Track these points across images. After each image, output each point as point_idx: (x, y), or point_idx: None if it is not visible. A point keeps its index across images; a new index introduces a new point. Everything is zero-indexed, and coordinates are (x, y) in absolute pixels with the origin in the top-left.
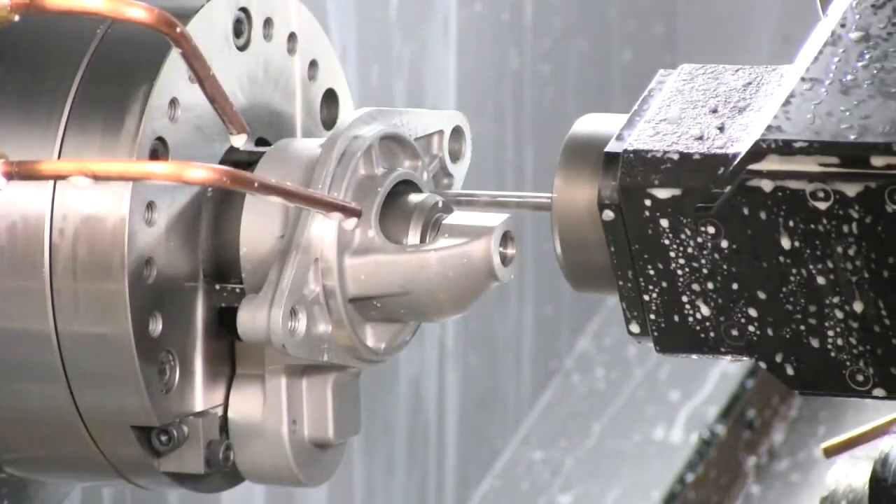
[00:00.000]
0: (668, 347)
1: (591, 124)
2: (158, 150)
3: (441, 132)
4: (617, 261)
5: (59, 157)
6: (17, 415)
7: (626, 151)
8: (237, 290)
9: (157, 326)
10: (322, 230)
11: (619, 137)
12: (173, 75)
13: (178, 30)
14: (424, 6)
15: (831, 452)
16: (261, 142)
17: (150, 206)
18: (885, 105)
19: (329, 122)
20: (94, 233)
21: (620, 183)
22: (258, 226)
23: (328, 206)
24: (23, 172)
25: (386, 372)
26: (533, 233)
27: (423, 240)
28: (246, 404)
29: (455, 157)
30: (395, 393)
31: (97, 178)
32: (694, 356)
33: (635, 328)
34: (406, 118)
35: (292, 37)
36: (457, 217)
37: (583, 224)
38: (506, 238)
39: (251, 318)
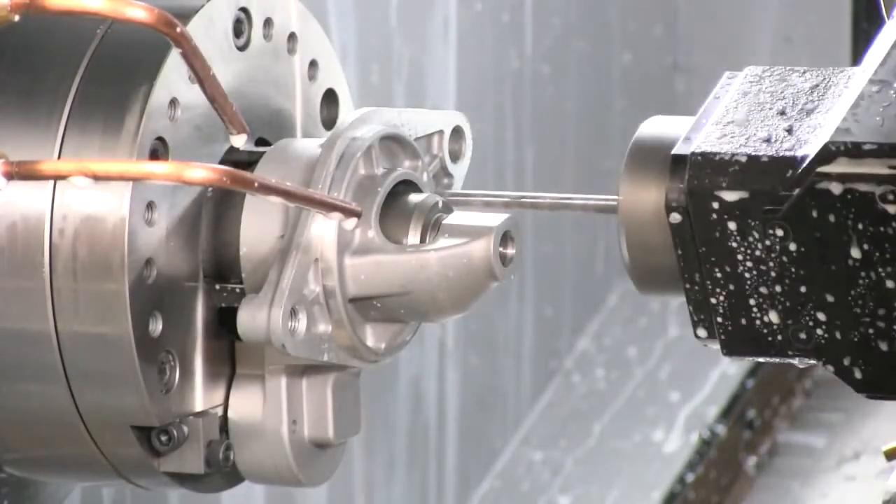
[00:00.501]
0: (735, 351)
1: (656, 127)
2: (158, 150)
3: (441, 132)
4: (684, 264)
5: (59, 157)
6: (17, 415)
7: (693, 154)
8: (237, 290)
9: (157, 326)
10: (322, 230)
11: (686, 140)
12: (173, 75)
13: (178, 30)
14: (424, 6)
15: (893, 455)
16: (261, 142)
17: (150, 206)
18: None
19: (329, 122)
20: (94, 233)
21: (688, 185)
22: (258, 226)
23: (328, 207)
24: (23, 172)
25: (386, 372)
26: (533, 233)
27: (423, 240)
28: (246, 404)
29: (455, 157)
30: (395, 393)
31: (97, 178)
32: (761, 359)
33: (702, 332)
34: (406, 118)
35: (292, 37)
36: (457, 217)
37: (649, 226)
38: (506, 238)
39: (251, 318)
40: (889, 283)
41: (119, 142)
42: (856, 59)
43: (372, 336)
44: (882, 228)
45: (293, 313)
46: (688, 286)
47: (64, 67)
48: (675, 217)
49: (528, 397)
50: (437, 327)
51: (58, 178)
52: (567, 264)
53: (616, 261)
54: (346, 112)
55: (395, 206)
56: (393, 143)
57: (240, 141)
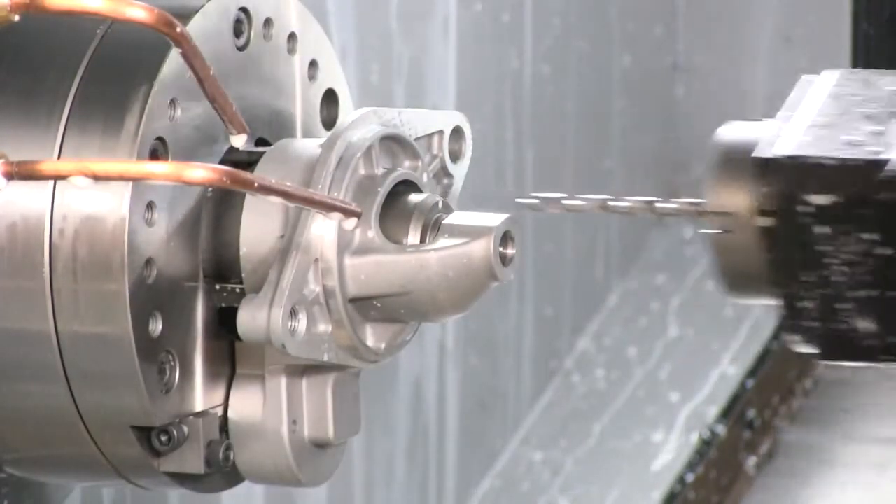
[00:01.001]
0: (829, 356)
1: (738, 131)
2: (158, 150)
3: (441, 132)
4: (773, 268)
5: (59, 157)
6: (17, 415)
7: (782, 157)
8: (237, 290)
9: (157, 326)
10: (322, 230)
11: (772, 143)
12: (173, 75)
13: (178, 30)
14: (424, 6)
15: None
16: (261, 142)
17: (150, 206)
18: None
19: (329, 122)
20: (94, 233)
21: (776, 189)
22: (258, 226)
23: (328, 207)
24: (23, 172)
25: (386, 372)
26: (533, 233)
27: (423, 240)
28: (246, 404)
29: (455, 156)
30: (395, 393)
31: (97, 178)
32: (857, 364)
33: (794, 337)
34: (406, 118)
35: (292, 37)
36: (457, 217)
37: (739, 230)
38: (506, 238)
39: (251, 319)
40: None
41: (119, 142)
42: (856, 59)
43: (372, 336)
44: None
45: (293, 313)
46: (778, 291)
47: (64, 67)
48: (764, 221)
49: (528, 397)
50: (437, 327)
51: (58, 178)
52: (567, 264)
53: (616, 261)
54: (346, 112)
55: (395, 206)
56: (393, 143)
57: (240, 141)
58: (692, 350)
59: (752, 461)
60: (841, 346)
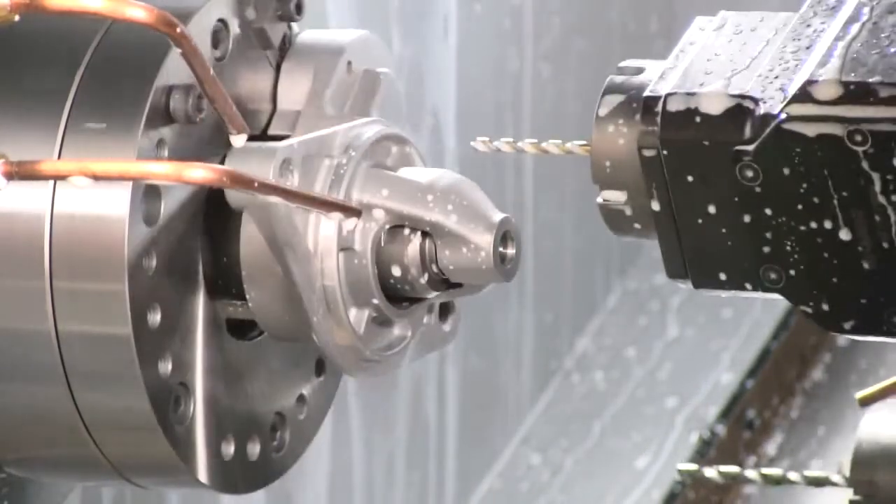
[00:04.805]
0: (703, 284)
1: (628, 70)
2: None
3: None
4: (657, 205)
5: (59, 157)
6: (16, 415)
7: (666, 96)
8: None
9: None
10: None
11: (659, 82)
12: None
13: (178, 30)
14: (424, 6)
15: (866, 401)
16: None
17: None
18: None
19: None
20: (93, 233)
21: (661, 128)
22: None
23: (328, 206)
24: (23, 172)
25: None
26: (533, 233)
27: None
28: None
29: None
30: (395, 393)
31: (97, 178)
32: (727, 293)
33: (673, 271)
34: None
35: None
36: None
37: (622, 169)
38: (506, 238)
39: None
40: (853, 224)
41: (119, 142)
42: None
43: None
44: (852, 166)
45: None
46: (660, 226)
47: (64, 67)
48: (646, 159)
49: (528, 397)
50: None
51: (58, 178)
52: (567, 264)
53: (616, 261)
54: None
55: None
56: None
57: (240, 141)
58: (692, 350)
59: (751, 461)
60: (719, 276)
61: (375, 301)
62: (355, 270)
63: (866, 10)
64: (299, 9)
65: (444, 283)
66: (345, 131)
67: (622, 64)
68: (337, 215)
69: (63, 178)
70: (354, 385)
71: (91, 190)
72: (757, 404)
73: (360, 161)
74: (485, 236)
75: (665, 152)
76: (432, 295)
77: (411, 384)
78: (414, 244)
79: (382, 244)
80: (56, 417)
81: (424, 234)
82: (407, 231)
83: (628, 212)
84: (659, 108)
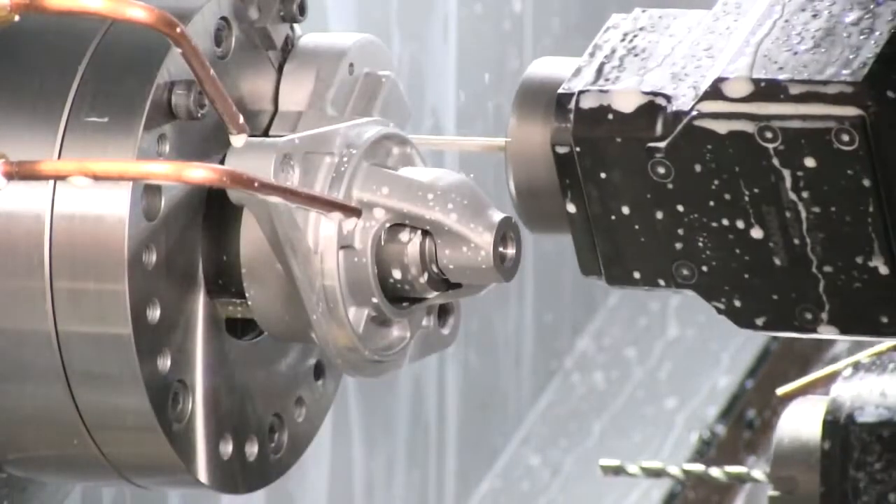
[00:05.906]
0: (616, 281)
1: (545, 67)
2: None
3: None
4: (570, 202)
5: (59, 157)
6: (17, 415)
7: (579, 93)
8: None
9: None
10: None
11: (573, 79)
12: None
13: (178, 30)
14: (424, 6)
15: (787, 396)
16: None
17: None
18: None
19: None
20: (93, 233)
21: (573, 125)
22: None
23: (328, 206)
24: (23, 172)
25: None
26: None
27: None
28: None
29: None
30: (395, 393)
31: (97, 178)
32: (643, 290)
33: (587, 269)
34: None
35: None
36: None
37: (536, 166)
38: (505, 238)
39: None
40: (767, 220)
41: (119, 142)
42: None
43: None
44: (763, 163)
45: None
46: (574, 224)
47: (64, 67)
48: (559, 157)
49: (528, 397)
50: None
51: (58, 178)
52: (567, 264)
53: None
54: None
55: None
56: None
57: (240, 141)
58: (692, 350)
59: (751, 461)
60: (633, 274)
61: (375, 300)
62: (355, 269)
63: (778, 7)
64: (302, 10)
65: (443, 282)
66: (346, 130)
67: (538, 60)
68: (337, 215)
69: (63, 178)
70: (354, 385)
71: (91, 190)
72: (757, 404)
73: (361, 159)
74: (485, 236)
75: (578, 149)
76: (432, 295)
77: (411, 384)
78: (414, 243)
79: (382, 243)
80: (56, 417)
81: (424, 234)
82: (407, 230)
83: (543, 208)
84: (572, 105)
